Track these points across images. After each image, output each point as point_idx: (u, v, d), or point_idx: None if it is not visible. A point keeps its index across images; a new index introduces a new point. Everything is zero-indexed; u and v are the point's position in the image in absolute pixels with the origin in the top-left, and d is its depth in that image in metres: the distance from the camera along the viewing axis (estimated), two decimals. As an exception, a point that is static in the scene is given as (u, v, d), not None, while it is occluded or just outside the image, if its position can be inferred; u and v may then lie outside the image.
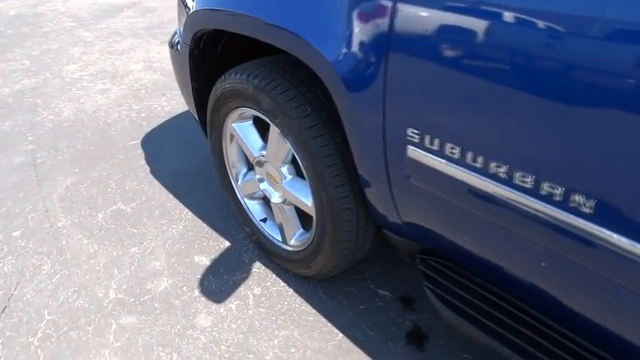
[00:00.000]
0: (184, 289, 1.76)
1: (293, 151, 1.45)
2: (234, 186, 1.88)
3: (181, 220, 2.10)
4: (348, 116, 1.19)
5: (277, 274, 1.80)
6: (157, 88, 3.32)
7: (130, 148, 2.65)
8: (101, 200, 2.26)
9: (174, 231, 2.04)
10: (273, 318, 1.63)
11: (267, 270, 1.82)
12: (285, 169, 1.58)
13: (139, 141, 2.71)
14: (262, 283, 1.77)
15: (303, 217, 1.66)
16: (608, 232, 0.80)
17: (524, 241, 0.96)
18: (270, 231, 1.80)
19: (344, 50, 1.11)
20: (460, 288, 1.26)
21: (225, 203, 2.17)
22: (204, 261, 1.88)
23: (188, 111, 2.98)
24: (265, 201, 1.86)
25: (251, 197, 1.85)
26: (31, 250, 1.98)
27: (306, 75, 1.42)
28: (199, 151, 2.59)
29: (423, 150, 1.06)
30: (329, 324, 1.60)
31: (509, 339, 1.10)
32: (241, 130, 1.68)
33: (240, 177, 1.85)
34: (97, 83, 3.45)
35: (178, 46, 1.82)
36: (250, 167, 1.84)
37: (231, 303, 1.70)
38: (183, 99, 3.05)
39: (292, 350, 1.52)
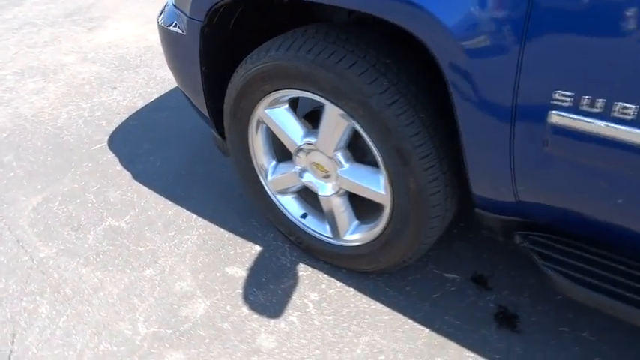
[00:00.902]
0: (228, 308, 1.52)
1: (364, 134, 1.25)
2: (263, 182, 1.63)
3: (192, 228, 1.82)
4: (463, 86, 1.02)
5: (329, 274, 1.60)
6: (103, 81, 2.90)
7: (96, 153, 2.27)
8: (85, 219, 1.90)
9: (189, 242, 1.76)
10: (345, 324, 1.45)
11: (315, 271, 1.62)
12: (341, 156, 1.38)
13: (105, 144, 2.34)
14: (316, 286, 1.57)
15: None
16: None
17: None
18: (316, 227, 1.59)
19: (469, 10, 0.93)
20: (579, 260, 1.15)
21: (237, 202, 1.92)
22: (239, 272, 1.64)
23: (152, 104, 2.63)
24: (301, 195, 1.64)
25: (283, 193, 1.63)
26: (17, 292, 1.62)
27: (368, 43, 1.22)
28: (181, 147, 2.28)
29: (574, 113, 0.91)
30: (409, 320, 1.44)
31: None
32: (278, 116, 1.44)
33: (270, 171, 1.61)
34: (26, 82, 2.94)
35: (177, 25, 1.52)
36: (280, 159, 1.60)
37: (291, 315, 1.48)
38: (139, 91, 2.69)
39: (381, 358, 1.35)
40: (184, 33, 1.49)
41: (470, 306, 1.47)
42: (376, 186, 1.33)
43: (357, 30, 1.28)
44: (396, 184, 1.26)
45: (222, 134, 1.71)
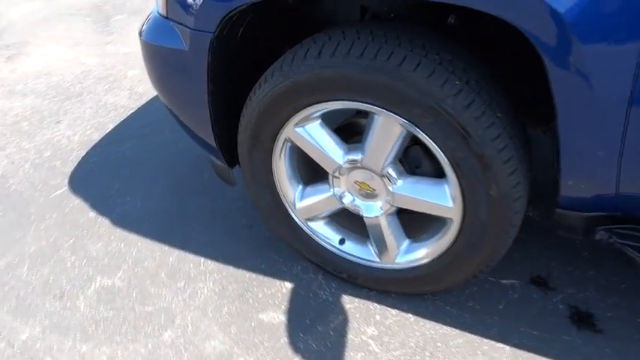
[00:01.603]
0: (278, 362, 1.30)
1: (431, 143, 1.09)
2: (290, 210, 1.43)
3: (204, 273, 1.57)
4: (571, 78, 0.89)
5: (379, 302, 1.43)
6: (43, 115, 2.51)
7: (57, 200, 1.93)
8: (67, 282, 1.59)
9: (205, 291, 1.52)
10: (418, 357, 1.28)
11: (363, 301, 1.44)
12: (392, 171, 1.21)
13: (66, 188, 2.00)
14: (370, 319, 1.39)
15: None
16: None
17: None
18: (358, 252, 1.42)
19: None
20: None
21: (246, 234, 1.70)
22: (277, 317, 1.42)
23: (110, 135, 2.31)
24: (333, 218, 1.45)
25: (313, 219, 1.43)
26: (5, 391, 1.30)
27: (422, 40, 1.06)
28: (159, 180, 2.00)
29: None
30: (485, 340, 1.31)
31: None
32: (313, 133, 1.25)
33: (297, 197, 1.41)
34: (-55, 129, 2.49)
35: (174, 40, 1.27)
36: (306, 182, 1.41)
37: (354, 358, 1.30)
38: (90, 122, 2.34)
39: (472, 388, 1.21)
40: (186, 48, 1.25)
41: (541, 312, 1.36)
42: (441, 199, 1.18)
43: (401, 26, 1.12)
44: (470, 194, 1.11)
45: (229, 162, 1.49)
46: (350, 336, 1.35)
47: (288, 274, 1.54)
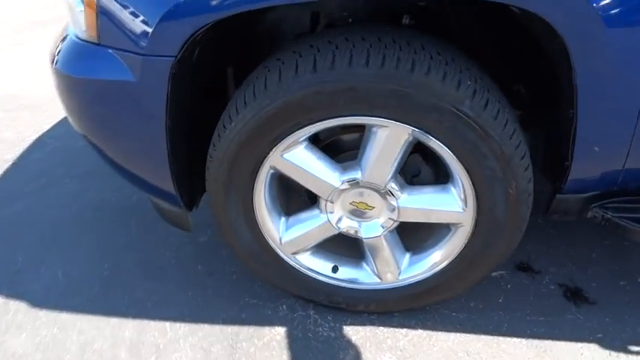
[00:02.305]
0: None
1: (444, 149, 1.02)
2: (274, 246, 1.26)
3: (176, 341, 1.33)
4: (595, 65, 0.88)
5: (385, 326, 1.33)
6: None
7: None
8: (-6, 396, 1.22)
9: (185, 361, 1.28)
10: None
11: (368, 329, 1.33)
12: (394, 184, 1.12)
13: (-51, 274, 1.57)
14: (382, 345, 1.28)
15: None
16: None
17: None
18: (355, 277, 1.30)
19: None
20: None
21: (209, 282, 1.49)
22: (283, 370, 1.25)
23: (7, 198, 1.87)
24: (318, 246, 1.31)
25: (300, 251, 1.28)
26: None
27: (419, 41, 1.00)
28: (78, 241, 1.67)
29: None
30: (500, 337, 1.28)
31: None
32: (303, 158, 1.10)
33: (281, 230, 1.25)
34: None
35: (114, 71, 1.03)
36: (287, 212, 1.26)
37: (383, 394, 1.18)
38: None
39: (510, 392, 1.17)
40: (134, 79, 1.02)
41: (537, 297, 1.38)
42: (451, 205, 1.12)
43: (381, 29, 1.03)
44: (486, 195, 1.07)
45: (189, 205, 1.27)
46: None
47: (275, 318, 1.37)
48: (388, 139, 1.04)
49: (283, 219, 1.25)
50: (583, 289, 1.40)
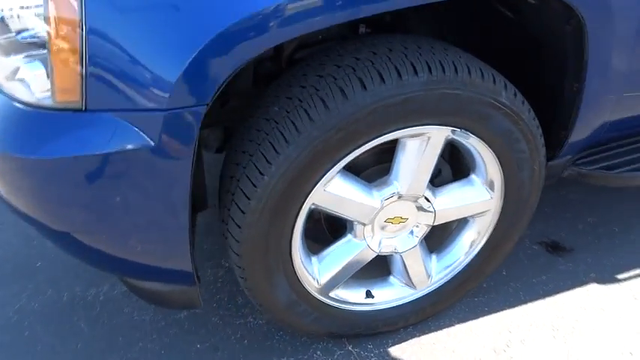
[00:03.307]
0: None
1: (481, 143, 1.04)
2: (314, 292, 1.14)
3: None
4: (604, 33, 0.99)
5: (424, 333, 1.31)
6: None
7: None
8: None
9: None
10: (503, 351, 1.24)
11: (414, 342, 1.29)
12: (428, 191, 1.11)
13: None
14: (436, 353, 1.26)
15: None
16: None
17: None
18: (390, 295, 1.25)
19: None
20: (625, 154, 1.35)
21: (219, 357, 1.28)
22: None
23: None
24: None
25: (334, 289, 1.18)
26: None
27: (443, 45, 1.00)
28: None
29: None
30: (525, 308, 1.36)
31: None
32: (344, 186, 1.02)
33: (317, 273, 1.13)
34: None
35: (124, 141, 0.81)
36: (313, 251, 1.15)
37: (464, 399, 1.16)
38: None
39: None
40: (152, 143, 0.81)
41: (530, 259, 1.50)
42: (480, 195, 1.15)
43: (401, 37, 1.01)
44: (514, 177, 1.12)
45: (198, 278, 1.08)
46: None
47: (318, 368, 1.24)
48: (428, 146, 1.02)
49: (314, 259, 1.13)
50: (557, 240, 1.56)
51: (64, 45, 0.77)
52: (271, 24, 0.78)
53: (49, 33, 0.77)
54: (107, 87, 0.79)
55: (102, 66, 0.77)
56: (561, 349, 1.25)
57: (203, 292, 1.40)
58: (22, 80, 0.83)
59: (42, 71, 0.81)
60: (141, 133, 0.81)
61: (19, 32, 0.81)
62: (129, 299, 1.45)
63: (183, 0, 0.76)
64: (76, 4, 0.74)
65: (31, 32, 0.80)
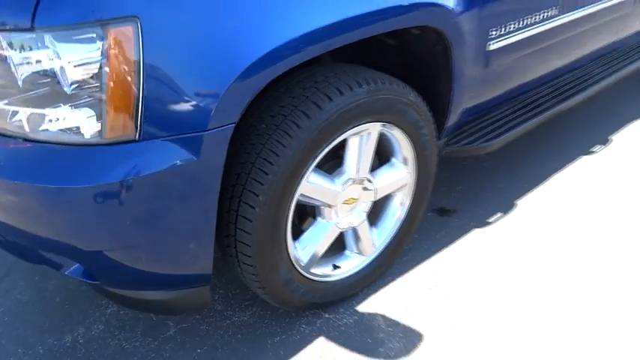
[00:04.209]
0: (401, 376, 1.39)
1: (400, 131, 1.46)
2: (302, 270, 1.44)
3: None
4: (462, 47, 1.49)
5: (382, 288, 1.67)
6: None
7: None
8: None
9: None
10: (436, 289, 1.66)
11: (380, 297, 1.63)
12: (370, 175, 1.49)
13: None
14: (402, 302, 1.62)
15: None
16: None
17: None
18: (350, 264, 1.59)
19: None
20: (489, 124, 1.91)
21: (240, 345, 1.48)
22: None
23: None
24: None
25: (313, 266, 1.49)
26: None
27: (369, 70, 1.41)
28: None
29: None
30: (469, 255, 1.82)
31: (533, 113, 1.95)
32: (317, 178, 1.35)
33: (301, 254, 1.43)
34: None
35: (176, 158, 1.03)
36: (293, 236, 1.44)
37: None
38: None
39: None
40: (196, 158, 1.05)
41: (428, 223, 1.96)
42: (401, 172, 1.57)
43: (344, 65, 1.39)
44: (422, 153, 1.56)
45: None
46: (424, 339, 1.55)
47: (307, 336, 1.51)
48: (369, 140, 1.40)
49: (296, 244, 1.42)
50: (443, 206, 2.07)
51: (122, 92, 0.98)
52: (273, 62, 1.09)
53: (109, 85, 0.97)
54: (158, 121, 1.01)
55: (153, 106, 1.00)
56: (468, 273, 1.71)
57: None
58: (72, 124, 1.00)
59: (93, 115, 1.00)
60: (185, 151, 1.04)
61: (71, 84, 0.98)
62: (110, 333, 1.55)
63: (214, 54, 1.02)
64: (133, 66, 0.96)
65: (85, 84, 0.98)
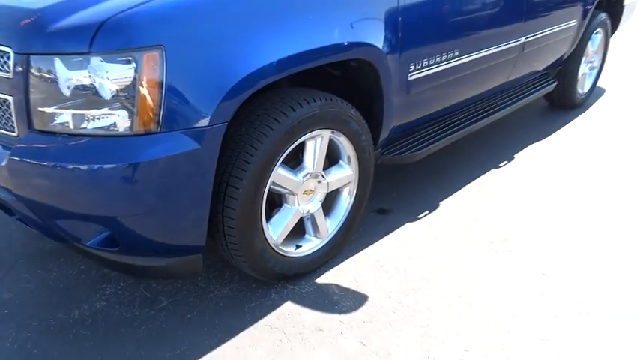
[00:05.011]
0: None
1: (345, 138, 1.93)
2: (274, 246, 1.85)
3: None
4: (389, 79, 2.00)
5: (336, 267, 2.09)
6: None
7: None
8: None
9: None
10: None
11: (336, 271, 2.04)
12: (323, 172, 1.95)
13: None
14: (350, 274, 2.04)
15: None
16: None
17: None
18: (310, 245, 2.01)
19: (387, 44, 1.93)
20: (415, 138, 2.42)
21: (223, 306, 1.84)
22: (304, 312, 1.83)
23: None
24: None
25: (278, 244, 1.90)
26: None
27: (314, 89, 1.89)
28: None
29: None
30: (408, 242, 2.26)
31: (449, 132, 2.49)
32: (284, 170, 1.79)
33: (272, 232, 1.84)
34: None
35: (180, 145, 1.44)
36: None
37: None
38: None
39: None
40: (199, 146, 1.46)
41: (371, 220, 2.42)
42: (347, 171, 2.03)
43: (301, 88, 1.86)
44: (362, 157, 2.03)
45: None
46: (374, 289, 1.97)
47: (279, 300, 1.89)
48: (322, 142, 1.86)
49: (268, 224, 1.83)
50: (382, 207, 2.54)
51: (148, 99, 1.39)
52: (253, 80, 1.54)
53: (140, 94, 1.38)
54: (174, 118, 1.42)
55: (171, 108, 1.41)
56: (403, 254, 2.16)
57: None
58: (110, 122, 1.40)
59: (126, 115, 1.40)
60: (192, 141, 1.45)
61: (110, 94, 1.38)
62: (111, 307, 1.87)
63: (212, 76, 1.46)
64: (159, 79, 1.38)
65: (121, 93, 1.38)
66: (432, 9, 2.11)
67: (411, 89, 2.16)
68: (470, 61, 2.40)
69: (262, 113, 1.68)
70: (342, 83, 2.09)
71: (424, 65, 2.16)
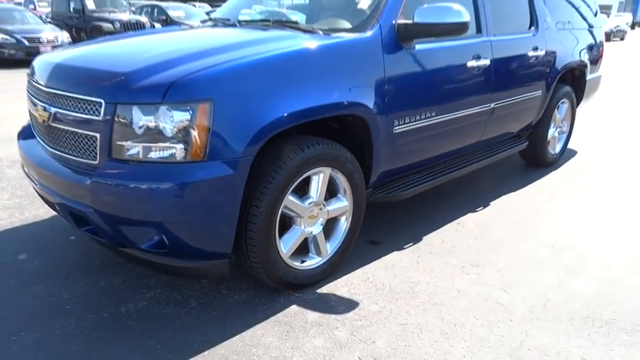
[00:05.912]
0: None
1: (342, 176, 2.46)
2: (285, 258, 2.32)
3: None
4: (379, 131, 2.56)
5: (337, 279, 2.54)
6: None
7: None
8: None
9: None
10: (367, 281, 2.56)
11: (335, 284, 2.50)
12: (324, 201, 2.46)
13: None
14: (346, 287, 2.49)
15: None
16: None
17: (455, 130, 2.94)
18: (312, 262, 2.48)
19: (376, 105, 2.51)
20: (403, 181, 2.95)
21: (236, 311, 2.29)
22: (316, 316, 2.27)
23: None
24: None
25: (287, 257, 2.37)
26: None
27: (319, 137, 2.44)
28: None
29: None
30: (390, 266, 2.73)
31: (431, 178, 3.02)
32: (294, 197, 2.30)
33: (283, 248, 2.32)
34: None
35: (219, 173, 1.97)
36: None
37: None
38: None
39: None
40: (233, 172, 1.99)
41: (364, 250, 2.89)
42: (343, 202, 2.54)
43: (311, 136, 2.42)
44: (357, 193, 2.55)
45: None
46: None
47: (289, 302, 2.34)
48: (324, 177, 2.38)
49: (280, 240, 2.32)
50: (373, 239, 3.01)
51: (199, 138, 1.93)
52: (273, 126, 2.09)
53: (193, 134, 1.93)
54: (216, 152, 1.96)
55: (214, 144, 1.95)
56: (389, 275, 2.61)
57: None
58: (170, 153, 1.93)
59: (182, 148, 1.94)
60: (228, 167, 1.98)
61: (171, 133, 1.93)
62: (152, 306, 2.31)
63: (245, 122, 2.01)
64: (208, 123, 1.93)
65: (179, 133, 1.93)
66: (411, 79, 2.71)
67: (396, 141, 2.71)
68: (445, 120, 2.97)
69: (278, 152, 2.21)
70: (341, 134, 2.65)
71: (406, 122, 2.72)
